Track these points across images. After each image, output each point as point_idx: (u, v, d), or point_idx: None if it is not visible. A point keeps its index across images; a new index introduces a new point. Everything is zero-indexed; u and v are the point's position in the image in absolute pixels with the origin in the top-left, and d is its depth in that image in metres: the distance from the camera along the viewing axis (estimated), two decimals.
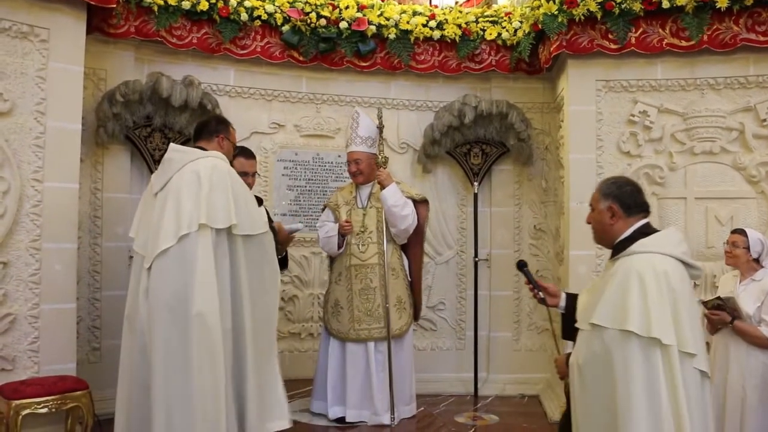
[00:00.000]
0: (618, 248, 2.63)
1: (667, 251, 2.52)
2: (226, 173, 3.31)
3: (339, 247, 4.80)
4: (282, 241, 4.18)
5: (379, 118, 4.74)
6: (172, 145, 3.49)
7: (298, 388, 5.36)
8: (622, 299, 2.42)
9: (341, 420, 4.66)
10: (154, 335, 3.12)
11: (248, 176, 4.19)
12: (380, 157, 4.75)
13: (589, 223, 2.81)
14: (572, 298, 2.91)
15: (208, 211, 3.16)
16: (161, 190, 3.29)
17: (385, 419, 4.59)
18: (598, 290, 2.60)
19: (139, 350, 3.20)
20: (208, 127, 3.60)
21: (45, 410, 3.65)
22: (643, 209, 2.68)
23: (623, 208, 2.65)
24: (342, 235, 4.78)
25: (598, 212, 2.71)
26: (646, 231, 2.61)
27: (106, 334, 4.82)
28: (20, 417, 3.54)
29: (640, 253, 2.52)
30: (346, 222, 4.77)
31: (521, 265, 3.09)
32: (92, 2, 4.11)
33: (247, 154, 4.31)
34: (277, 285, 3.46)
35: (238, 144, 4.93)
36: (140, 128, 5.02)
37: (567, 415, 2.79)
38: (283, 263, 4.55)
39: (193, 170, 3.25)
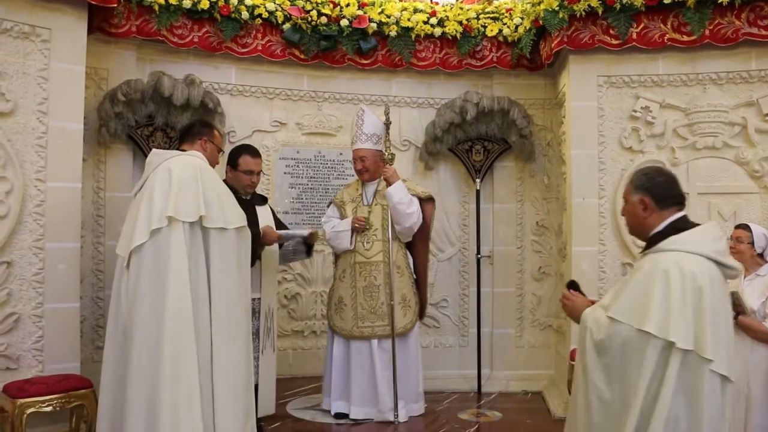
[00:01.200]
0: (650, 242, 2.56)
1: (699, 250, 2.43)
2: (197, 169, 3.33)
3: (350, 243, 4.77)
4: (269, 243, 4.18)
5: (386, 114, 4.71)
6: (153, 149, 3.55)
7: (302, 385, 5.37)
8: (644, 297, 2.36)
9: (342, 415, 4.66)
10: (133, 329, 3.13)
11: (253, 175, 4.19)
12: (387, 153, 4.71)
13: (623, 215, 2.75)
14: None
15: (177, 205, 3.17)
16: (139, 191, 3.36)
17: (391, 416, 4.58)
18: (623, 284, 2.56)
19: (120, 348, 3.23)
20: (191, 130, 3.65)
21: (50, 409, 3.67)
22: (678, 201, 2.59)
23: (655, 200, 2.55)
24: (354, 231, 4.76)
25: (631, 204, 2.62)
26: (681, 226, 2.52)
27: None
28: (25, 415, 3.56)
29: (669, 251, 2.44)
30: (361, 218, 4.76)
31: (572, 286, 2.94)
32: (93, 2, 4.12)
33: (252, 152, 4.31)
34: (244, 283, 3.45)
35: (241, 143, 4.99)
36: (142, 127, 5.02)
37: None
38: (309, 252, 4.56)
39: (166, 168, 3.29)
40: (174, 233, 3.14)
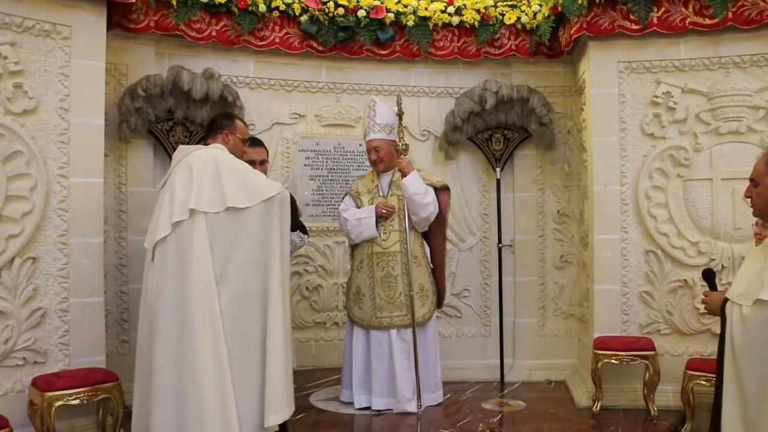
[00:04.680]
0: None
1: None
2: (216, 158, 3.37)
3: (377, 230, 4.74)
4: None
5: (399, 105, 4.71)
6: (179, 146, 3.61)
7: (325, 377, 5.39)
8: None
9: (367, 409, 4.68)
10: (158, 317, 3.20)
11: (255, 164, 4.15)
12: (400, 144, 4.72)
13: (749, 197, 2.72)
14: None
15: (199, 197, 3.23)
16: (162, 187, 3.45)
17: (410, 407, 4.59)
18: (759, 263, 2.55)
19: (149, 338, 3.30)
20: (213, 124, 3.71)
21: (77, 402, 3.72)
22: None
23: None
24: (379, 217, 4.74)
25: (766, 187, 2.58)
26: None
27: (134, 326, 4.85)
28: (53, 408, 3.62)
29: None
30: (390, 205, 4.74)
31: (709, 275, 3.04)
32: None
33: (251, 142, 4.28)
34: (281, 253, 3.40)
35: (260, 136, 5.01)
36: (162, 122, 5.05)
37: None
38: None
39: (186, 163, 3.36)
40: (196, 224, 3.20)
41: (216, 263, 3.20)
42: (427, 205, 4.66)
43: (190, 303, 3.16)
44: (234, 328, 3.21)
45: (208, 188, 3.27)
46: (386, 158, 4.81)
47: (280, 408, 3.25)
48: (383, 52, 5.57)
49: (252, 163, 4.13)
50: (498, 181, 5.77)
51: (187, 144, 4.85)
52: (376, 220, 4.73)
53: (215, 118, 3.79)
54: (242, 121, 3.84)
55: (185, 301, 3.16)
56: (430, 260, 4.90)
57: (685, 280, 4.75)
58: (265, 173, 4.29)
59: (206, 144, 3.63)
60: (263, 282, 3.30)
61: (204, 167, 3.32)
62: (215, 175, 3.30)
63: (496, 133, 5.73)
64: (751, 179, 2.74)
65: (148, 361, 3.28)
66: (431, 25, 5.48)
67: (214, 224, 3.23)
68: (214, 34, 5.10)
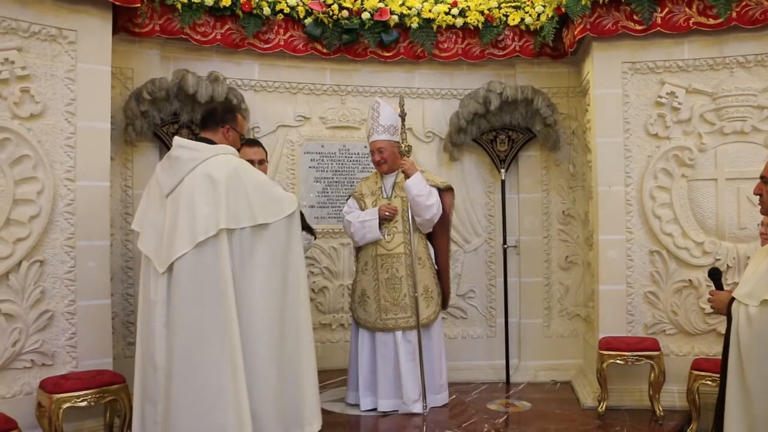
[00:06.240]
0: None
1: None
2: (237, 170, 3.28)
3: (381, 232, 4.75)
4: None
5: (401, 106, 4.72)
6: (177, 139, 3.43)
7: (330, 378, 5.40)
8: None
9: (373, 410, 4.69)
10: (175, 336, 3.16)
11: (254, 164, 4.12)
12: (404, 145, 4.73)
13: (758, 194, 2.80)
14: None
15: (227, 214, 3.15)
16: (172, 191, 3.27)
17: (415, 408, 4.61)
18: (766, 263, 2.60)
19: (150, 357, 3.26)
20: (213, 116, 3.54)
21: (84, 404, 3.75)
22: None
23: None
24: (382, 219, 4.75)
25: None
26: None
27: None
28: (61, 410, 3.65)
29: None
30: (393, 207, 4.74)
31: (715, 274, 3.07)
32: (117, 3, 4.18)
33: (249, 142, 4.27)
34: (302, 268, 3.42)
35: (265, 138, 5.01)
36: (168, 125, 5.08)
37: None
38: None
39: (206, 173, 3.22)
40: (221, 241, 3.14)
41: (236, 275, 3.16)
42: (431, 206, 4.67)
43: (215, 320, 3.11)
44: (256, 340, 3.19)
45: (235, 204, 3.18)
46: (390, 159, 4.82)
47: (315, 418, 3.35)
48: (387, 54, 5.59)
49: (250, 163, 4.13)
50: (503, 182, 5.78)
51: None
52: (380, 222, 4.74)
53: (215, 110, 3.65)
54: (242, 115, 3.78)
55: (209, 319, 3.11)
56: (434, 262, 4.91)
57: (690, 280, 4.75)
58: (264, 173, 4.29)
59: (203, 136, 3.50)
60: (286, 293, 3.28)
61: (229, 181, 3.20)
62: (241, 189, 3.21)
63: (500, 135, 5.74)
64: (761, 177, 2.78)
65: (150, 377, 3.27)
66: (435, 27, 5.49)
67: (240, 238, 3.19)
68: (218, 37, 5.13)
